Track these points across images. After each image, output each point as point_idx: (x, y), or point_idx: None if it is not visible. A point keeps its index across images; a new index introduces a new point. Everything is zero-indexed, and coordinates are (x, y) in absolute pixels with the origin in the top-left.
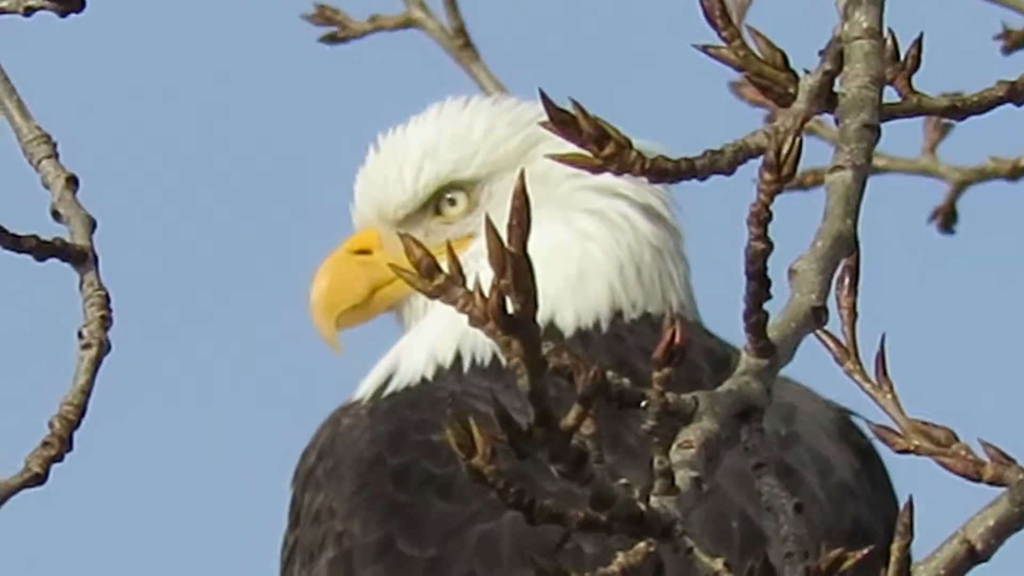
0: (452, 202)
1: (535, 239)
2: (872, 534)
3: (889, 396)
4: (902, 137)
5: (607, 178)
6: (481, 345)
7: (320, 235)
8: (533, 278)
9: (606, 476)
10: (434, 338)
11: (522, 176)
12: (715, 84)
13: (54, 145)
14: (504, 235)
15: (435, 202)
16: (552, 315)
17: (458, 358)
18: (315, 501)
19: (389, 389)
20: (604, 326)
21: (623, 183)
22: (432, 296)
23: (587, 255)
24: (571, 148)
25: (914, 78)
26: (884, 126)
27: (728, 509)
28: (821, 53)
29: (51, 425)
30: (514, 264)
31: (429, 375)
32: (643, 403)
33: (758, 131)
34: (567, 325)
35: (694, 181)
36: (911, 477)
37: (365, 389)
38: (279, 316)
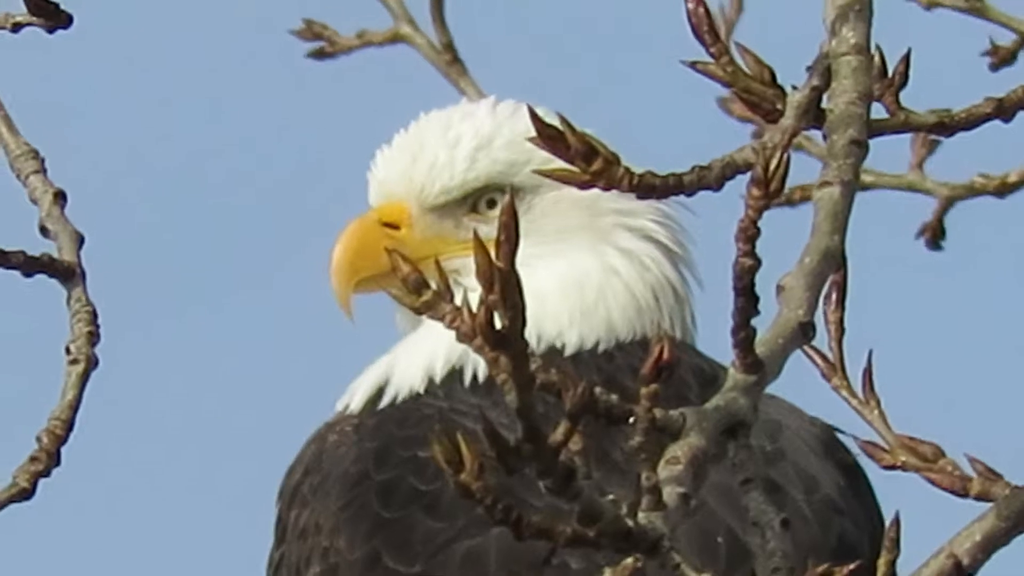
0: (491, 203)
1: (566, 264)
2: (858, 550)
3: (876, 412)
4: (890, 153)
5: (647, 223)
6: (473, 360)
7: (309, 247)
8: (521, 294)
9: (594, 492)
10: (428, 351)
11: (511, 192)
12: (703, 100)
13: (42, 160)
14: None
15: (474, 197)
16: (556, 337)
17: (450, 373)
18: (301, 517)
19: (380, 401)
20: (600, 348)
21: (663, 232)
22: (419, 312)
23: (608, 287)
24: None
25: (902, 94)
26: (872, 142)
27: (714, 525)
28: (809, 69)
29: (39, 440)
30: (502, 280)
31: (420, 389)
32: (631, 419)
33: (746, 147)
34: (568, 347)
35: (682, 197)
36: (898, 493)
37: (355, 399)
38: (267, 332)
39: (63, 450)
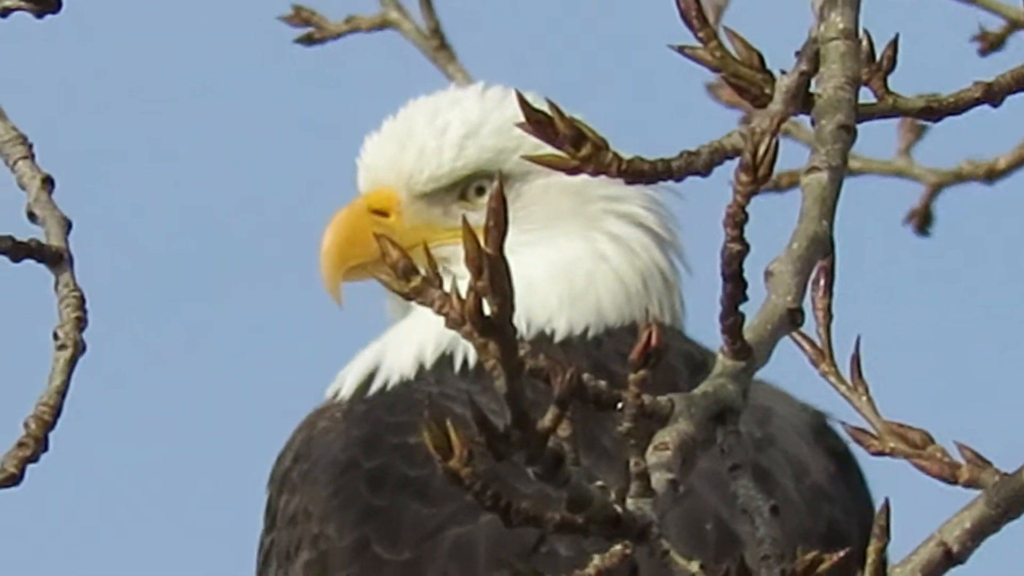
0: (480, 191)
1: (554, 251)
2: (848, 537)
3: (864, 398)
4: (878, 139)
5: (636, 208)
6: (463, 346)
7: (297, 233)
8: (510, 280)
9: (582, 478)
10: (418, 337)
11: (500, 178)
12: (691, 85)
13: (30, 146)
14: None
15: (463, 185)
16: (546, 323)
17: (440, 359)
18: (291, 504)
19: (370, 388)
20: (590, 334)
21: (652, 218)
22: (408, 297)
23: (597, 274)
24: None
25: (890, 79)
26: (860, 128)
27: (702, 511)
28: (797, 54)
29: (26, 426)
30: (491, 266)
31: (410, 375)
32: (619, 405)
33: (734, 132)
34: (557, 333)
35: (670, 183)
36: (887, 479)
37: (345, 386)
38: (256, 318)
39: (51, 435)
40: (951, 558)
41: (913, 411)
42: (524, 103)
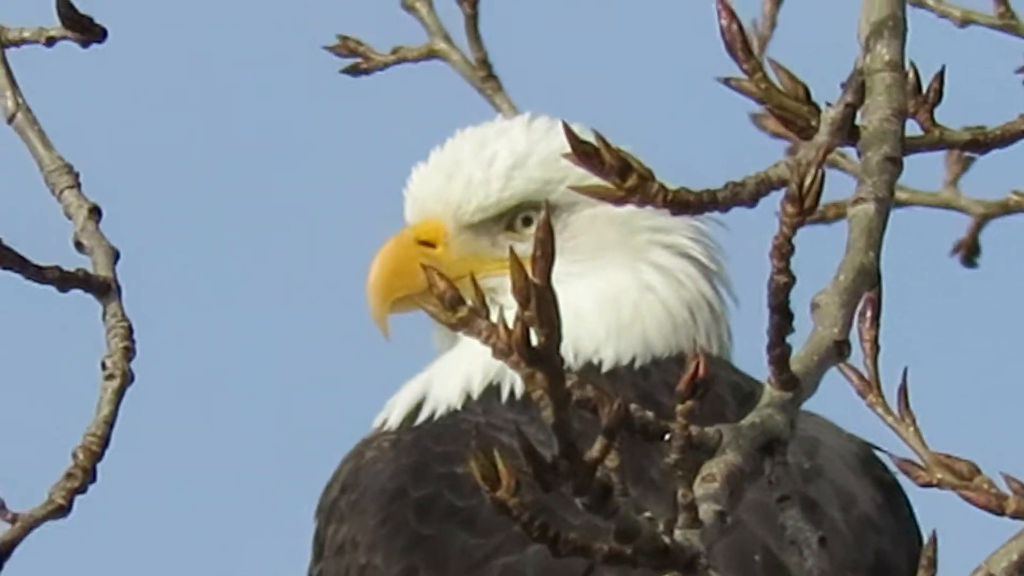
0: (527, 221)
1: (601, 282)
2: (895, 568)
3: (912, 429)
4: (924, 170)
5: (682, 240)
6: (510, 376)
7: (346, 264)
8: (557, 310)
9: (630, 509)
10: (465, 367)
11: (547, 208)
12: (737, 117)
13: (76, 175)
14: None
15: (510, 216)
16: (593, 354)
17: (487, 389)
18: (338, 533)
19: (417, 418)
20: (637, 365)
21: (698, 249)
22: (455, 328)
23: (644, 304)
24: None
25: (936, 111)
26: (906, 159)
27: (750, 542)
28: (843, 85)
29: (75, 456)
30: (538, 296)
31: (458, 405)
32: (667, 436)
33: (780, 163)
34: (604, 363)
35: (716, 213)
36: (934, 510)
37: (392, 415)
38: (301, 347)
39: (99, 466)
40: None
41: (960, 442)
42: (571, 134)
